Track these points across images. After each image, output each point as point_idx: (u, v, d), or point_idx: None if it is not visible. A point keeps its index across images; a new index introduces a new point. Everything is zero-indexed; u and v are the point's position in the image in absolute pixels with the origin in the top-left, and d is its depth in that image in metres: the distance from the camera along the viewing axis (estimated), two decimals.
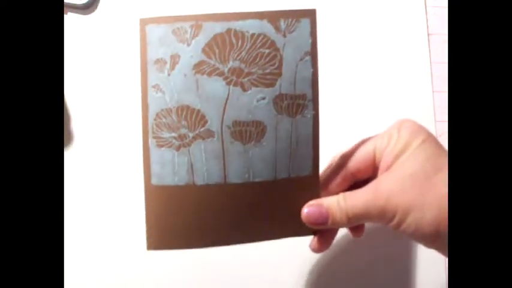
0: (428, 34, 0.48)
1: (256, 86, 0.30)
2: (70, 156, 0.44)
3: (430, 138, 0.30)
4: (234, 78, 0.30)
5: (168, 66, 0.30)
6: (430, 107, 0.46)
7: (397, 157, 0.30)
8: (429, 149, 0.30)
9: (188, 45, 0.30)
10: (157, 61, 0.31)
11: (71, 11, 0.48)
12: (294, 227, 0.32)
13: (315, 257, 0.42)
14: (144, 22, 0.31)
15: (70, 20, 0.47)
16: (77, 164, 0.44)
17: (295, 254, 0.42)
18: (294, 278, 0.42)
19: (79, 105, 0.45)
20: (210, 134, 0.31)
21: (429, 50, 0.48)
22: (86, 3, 0.47)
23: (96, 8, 0.48)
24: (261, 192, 0.31)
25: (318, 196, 0.32)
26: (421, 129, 0.31)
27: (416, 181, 0.29)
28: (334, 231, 0.34)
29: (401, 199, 0.29)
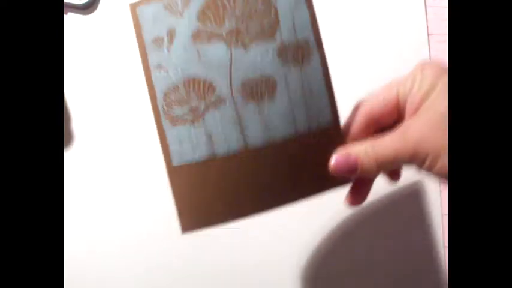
0: (428, 34, 0.48)
1: (257, 41, 0.30)
2: (70, 156, 0.44)
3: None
4: (234, 38, 0.30)
5: (166, 42, 0.30)
6: None
7: (423, 99, 0.29)
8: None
9: (182, 16, 0.30)
10: (155, 40, 0.30)
11: (71, 11, 0.48)
12: (324, 182, 0.31)
13: (315, 257, 0.42)
14: (134, 6, 0.31)
15: (70, 20, 0.47)
16: (77, 164, 0.44)
17: (294, 253, 0.42)
18: (294, 278, 0.42)
19: (79, 105, 0.45)
20: (221, 100, 0.30)
21: (429, 50, 0.48)
22: (86, 3, 0.47)
23: (96, 8, 0.48)
24: (284, 151, 0.31)
25: (342, 145, 0.31)
26: (445, 69, 0.29)
27: (445, 122, 0.27)
28: (367, 183, 0.33)
29: (432, 141, 0.28)
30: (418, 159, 0.28)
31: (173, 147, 0.31)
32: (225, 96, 0.30)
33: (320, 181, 0.31)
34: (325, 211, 0.43)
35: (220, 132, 0.30)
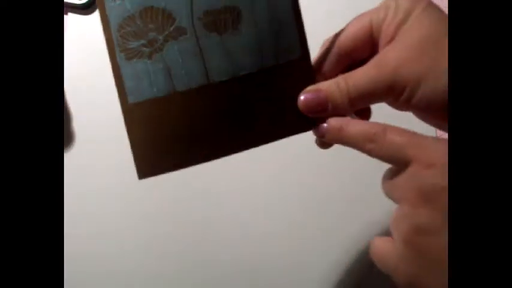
0: None
1: None
2: (70, 156, 0.44)
3: (432, 4, 0.27)
4: None
5: None
6: None
7: (399, 26, 0.27)
8: (433, 14, 0.27)
9: None
10: None
11: (71, 11, 0.48)
12: (293, 122, 0.29)
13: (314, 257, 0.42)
14: None
15: (70, 20, 0.47)
16: (77, 164, 0.44)
17: (293, 253, 0.42)
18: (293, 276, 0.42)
19: (79, 105, 0.45)
20: (181, 31, 0.28)
21: None
22: (85, 3, 0.47)
23: (96, 8, 0.48)
24: (250, 87, 0.28)
25: (313, 82, 0.29)
26: None
27: (425, 47, 0.26)
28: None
29: (410, 68, 0.25)
30: (395, 90, 0.26)
31: (129, 84, 0.28)
32: (185, 27, 0.28)
33: (287, 121, 0.29)
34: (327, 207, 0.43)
35: (180, 66, 0.28)
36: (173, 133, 0.28)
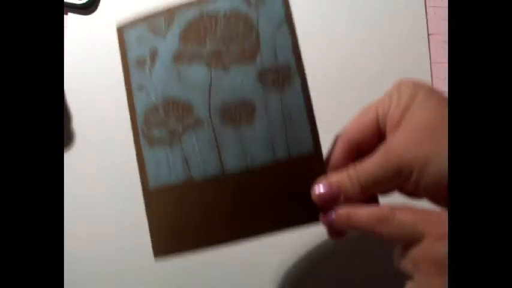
0: (428, 34, 0.48)
1: (238, 64, 0.30)
2: (70, 156, 0.44)
3: (433, 89, 0.28)
4: (214, 60, 0.30)
5: (148, 63, 0.30)
6: None
7: (403, 113, 0.28)
8: (435, 98, 0.27)
9: (164, 38, 0.30)
10: (138, 61, 0.31)
11: (71, 11, 0.48)
12: (305, 213, 0.30)
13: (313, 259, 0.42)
14: (121, 29, 0.31)
15: (70, 20, 0.47)
16: (77, 164, 0.44)
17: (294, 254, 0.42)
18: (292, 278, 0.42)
19: (79, 105, 0.45)
20: (199, 123, 0.30)
21: (429, 50, 0.48)
22: (85, 3, 0.47)
23: (96, 8, 0.48)
24: (263, 179, 0.29)
25: (324, 174, 0.30)
26: (422, 83, 0.29)
27: (429, 130, 0.26)
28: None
29: (416, 152, 0.26)
30: (403, 174, 0.27)
31: (150, 169, 0.30)
32: (203, 119, 0.30)
33: (298, 212, 0.30)
34: None
35: (197, 156, 0.30)
36: (188, 218, 0.30)
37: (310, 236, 0.42)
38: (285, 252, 0.42)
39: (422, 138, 0.26)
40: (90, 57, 0.46)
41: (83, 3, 0.47)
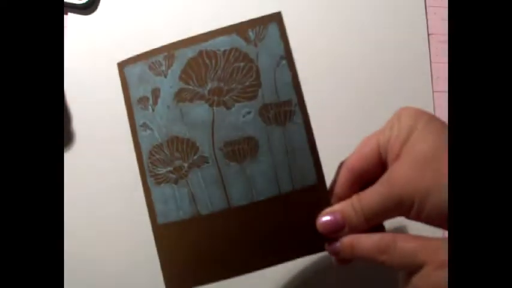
0: (428, 34, 0.48)
1: (239, 101, 0.30)
2: (70, 156, 0.44)
3: (433, 118, 0.29)
4: (216, 98, 0.30)
5: (151, 102, 0.31)
6: (430, 107, 0.46)
7: (403, 143, 0.28)
8: (435, 128, 0.28)
9: (165, 76, 0.30)
10: (140, 100, 0.31)
11: (71, 11, 0.48)
12: (308, 243, 0.30)
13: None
14: (121, 65, 0.32)
15: (70, 20, 0.47)
16: (77, 164, 0.44)
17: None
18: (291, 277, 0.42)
19: (79, 105, 0.45)
20: (203, 160, 0.30)
21: (429, 50, 0.48)
22: (85, 3, 0.47)
23: (96, 8, 0.48)
24: (268, 211, 0.30)
25: (328, 205, 0.30)
26: (422, 112, 0.29)
27: (429, 161, 0.27)
28: None
29: (416, 183, 0.27)
30: (405, 205, 0.27)
31: (158, 206, 0.31)
32: (207, 156, 0.30)
33: (303, 243, 0.30)
34: None
35: (203, 192, 0.30)
36: (198, 253, 0.31)
37: None
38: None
39: (422, 169, 0.27)
40: (90, 57, 0.46)
41: (83, 3, 0.47)
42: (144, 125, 0.31)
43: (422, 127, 0.28)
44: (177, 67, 0.30)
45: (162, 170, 0.31)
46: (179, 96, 0.30)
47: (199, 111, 0.30)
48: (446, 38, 0.47)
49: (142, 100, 0.31)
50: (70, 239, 0.41)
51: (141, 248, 0.42)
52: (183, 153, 0.30)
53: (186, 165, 0.30)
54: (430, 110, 0.45)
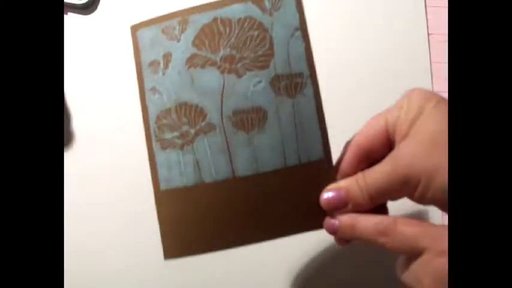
0: (428, 34, 0.48)
1: (251, 70, 0.30)
2: (70, 156, 0.44)
3: (443, 100, 0.28)
4: (227, 65, 0.30)
5: (161, 66, 0.30)
6: None
7: (412, 123, 0.28)
8: (444, 110, 0.27)
9: (178, 41, 0.30)
10: (151, 63, 0.31)
11: (71, 11, 0.48)
12: (313, 219, 0.30)
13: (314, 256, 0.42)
14: (134, 28, 0.31)
15: (70, 20, 0.47)
16: (77, 164, 0.44)
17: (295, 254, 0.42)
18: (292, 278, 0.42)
19: (79, 105, 0.45)
20: (211, 127, 0.30)
21: (429, 50, 0.48)
22: (85, 3, 0.47)
23: (96, 8, 0.48)
24: (273, 183, 0.30)
25: (333, 182, 0.30)
26: (432, 94, 0.29)
27: (437, 141, 0.26)
28: None
29: (424, 162, 0.26)
30: (410, 184, 0.27)
31: (161, 171, 0.31)
32: (215, 124, 0.30)
33: (307, 219, 0.30)
34: None
35: (208, 159, 0.30)
36: (198, 221, 0.30)
37: (315, 237, 0.43)
38: (291, 253, 0.42)
39: (430, 150, 0.27)
40: (90, 57, 0.46)
41: (83, 3, 0.47)
42: (153, 89, 0.31)
43: (431, 108, 0.28)
44: (190, 32, 0.30)
45: (169, 135, 0.30)
46: (191, 61, 0.30)
47: (210, 77, 0.30)
48: (446, 38, 0.47)
49: (153, 64, 0.31)
50: (70, 239, 0.41)
51: (141, 248, 0.42)
52: (190, 119, 0.30)
53: (193, 131, 0.30)
54: None
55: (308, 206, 0.30)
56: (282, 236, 0.30)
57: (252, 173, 0.30)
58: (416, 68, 0.47)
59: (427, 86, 0.46)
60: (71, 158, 0.44)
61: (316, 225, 0.30)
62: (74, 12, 0.48)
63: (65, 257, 0.41)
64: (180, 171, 0.30)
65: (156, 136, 0.31)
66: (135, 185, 0.43)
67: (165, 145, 0.30)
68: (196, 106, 0.30)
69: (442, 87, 0.46)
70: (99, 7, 0.48)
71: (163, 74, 0.30)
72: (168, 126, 0.30)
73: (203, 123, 0.30)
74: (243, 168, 0.30)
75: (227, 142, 0.30)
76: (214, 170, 0.30)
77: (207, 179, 0.30)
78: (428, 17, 0.48)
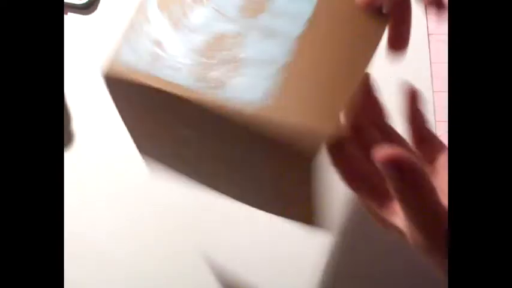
0: (428, 34, 0.48)
1: None
2: (70, 156, 0.44)
3: None
4: None
5: None
6: (430, 107, 0.46)
7: None
8: None
9: None
10: None
11: (71, 11, 0.48)
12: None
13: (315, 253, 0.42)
14: None
15: (70, 20, 0.47)
16: (77, 164, 0.44)
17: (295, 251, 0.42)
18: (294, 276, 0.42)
19: (79, 105, 0.45)
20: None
21: (429, 50, 0.48)
22: (86, 3, 0.47)
23: (96, 8, 0.48)
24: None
25: None
26: None
27: None
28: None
29: None
30: None
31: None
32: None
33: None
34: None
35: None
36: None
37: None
38: (293, 250, 0.42)
39: None
40: (90, 57, 0.46)
41: (83, 3, 0.47)
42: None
43: None
44: None
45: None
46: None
47: None
48: (446, 38, 0.47)
49: None
50: (70, 239, 0.42)
51: (142, 248, 0.42)
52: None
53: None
54: (430, 110, 0.45)
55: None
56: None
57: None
58: (416, 68, 0.47)
59: (427, 86, 0.46)
60: (71, 158, 0.44)
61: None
62: (74, 12, 0.48)
63: (65, 257, 0.41)
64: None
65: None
66: (135, 185, 0.43)
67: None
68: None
69: (442, 87, 0.46)
70: (99, 7, 0.48)
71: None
72: None
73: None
74: None
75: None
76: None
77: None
78: (428, 17, 0.48)
